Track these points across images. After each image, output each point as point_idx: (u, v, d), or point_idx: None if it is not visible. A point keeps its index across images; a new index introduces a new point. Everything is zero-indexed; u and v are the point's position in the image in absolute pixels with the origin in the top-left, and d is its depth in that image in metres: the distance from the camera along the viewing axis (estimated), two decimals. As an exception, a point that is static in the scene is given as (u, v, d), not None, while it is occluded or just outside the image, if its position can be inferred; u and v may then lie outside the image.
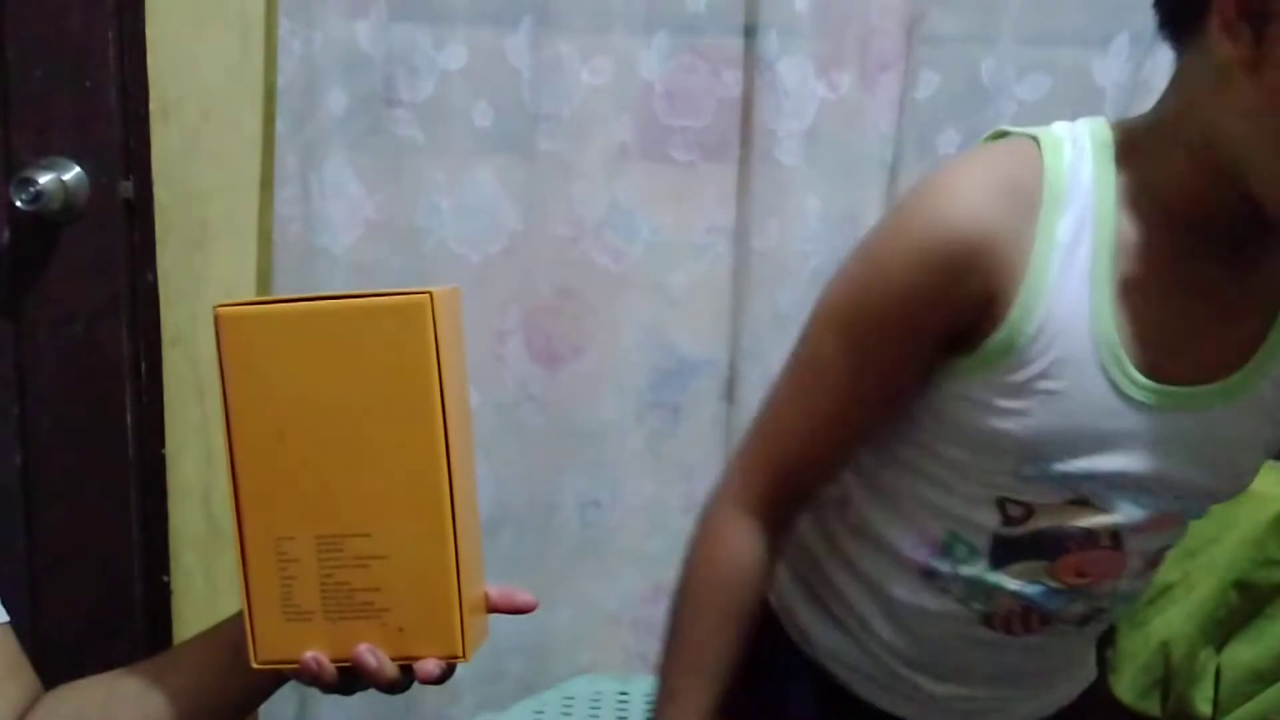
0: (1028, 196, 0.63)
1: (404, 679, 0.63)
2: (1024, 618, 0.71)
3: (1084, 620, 0.73)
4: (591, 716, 1.31)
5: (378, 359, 0.59)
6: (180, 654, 0.76)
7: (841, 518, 0.77)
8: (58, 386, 1.28)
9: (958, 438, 0.68)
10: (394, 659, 0.62)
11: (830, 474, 0.75)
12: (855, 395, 0.69)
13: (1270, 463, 1.02)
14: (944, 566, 0.71)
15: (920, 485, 0.71)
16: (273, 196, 1.31)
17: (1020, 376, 0.64)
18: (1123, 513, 0.68)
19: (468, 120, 1.27)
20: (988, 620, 0.72)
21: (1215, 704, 1.04)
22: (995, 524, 0.69)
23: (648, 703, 0.78)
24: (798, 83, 1.25)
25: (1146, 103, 1.24)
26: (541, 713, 1.33)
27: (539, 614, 0.73)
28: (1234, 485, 0.71)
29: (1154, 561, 0.72)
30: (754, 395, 1.31)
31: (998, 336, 0.63)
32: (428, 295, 0.59)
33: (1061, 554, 0.69)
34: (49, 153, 1.22)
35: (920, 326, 0.66)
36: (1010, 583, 0.70)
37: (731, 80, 1.29)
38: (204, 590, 1.42)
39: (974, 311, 0.64)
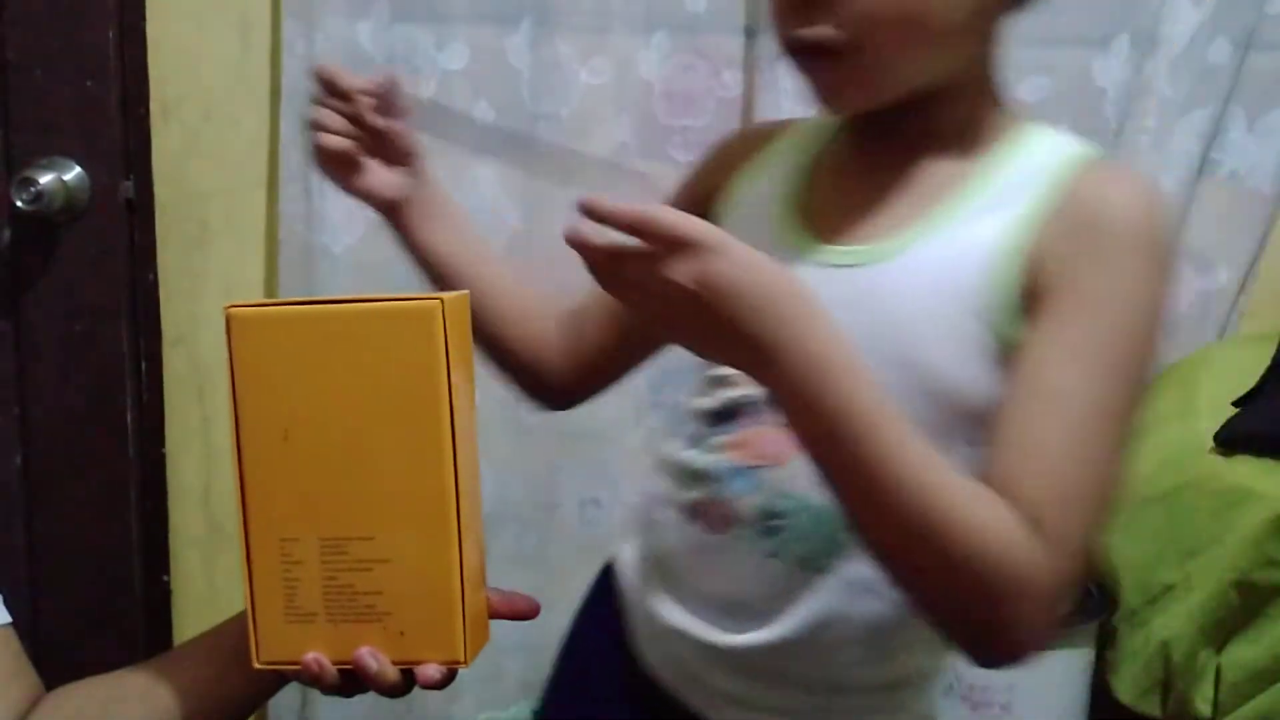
0: (772, 130, 0.82)
1: (404, 683, 0.63)
2: (711, 507, 0.74)
3: (763, 525, 0.71)
4: (592, 716, 1.31)
5: (386, 364, 0.59)
6: (181, 654, 0.76)
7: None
8: (58, 386, 1.28)
9: None
10: (395, 662, 0.62)
11: (598, 335, 0.88)
12: None
13: (1270, 462, 1.03)
14: (680, 456, 0.78)
15: (692, 399, 0.81)
16: (275, 196, 1.31)
17: None
18: None
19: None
20: (693, 511, 0.76)
21: (1215, 704, 1.04)
22: (705, 403, 0.77)
23: None
24: (798, 82, 1.25)
25: (1147, 103, 1.27)
26: (542, 712, 1.33)
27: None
28: (905, 364, 0.66)
29: None
30: (754, 395, 1.31)
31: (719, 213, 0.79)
32: (438, 302, 0.58)
33: (736, 426, 0.73)
34: (49, 153, 1.22)
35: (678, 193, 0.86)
36: (702, 458, 0.75)
37: (731, 80, 1.29)
38: (204, 590, 1.42)
39: (709, 192, 0.80)
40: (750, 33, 1.27)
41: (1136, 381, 0.61)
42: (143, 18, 1.26)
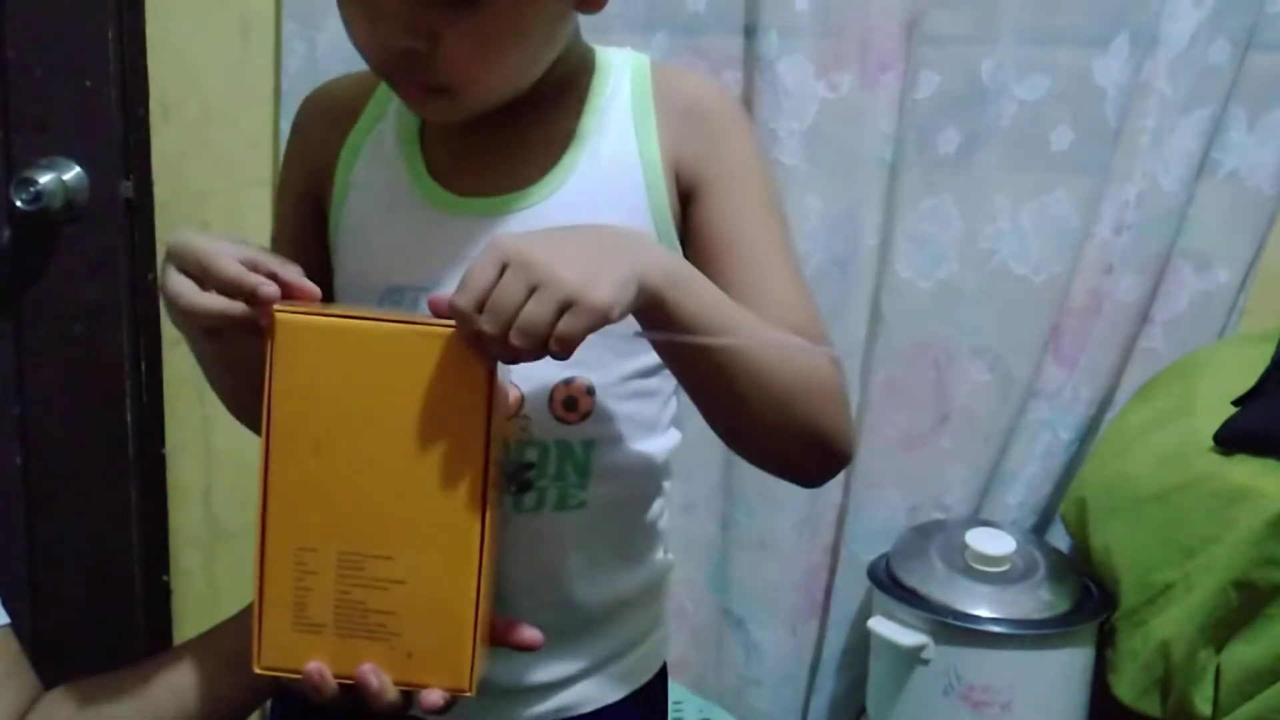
0: (353, 99, 0.79)
1: (403, 704, 0.62)
2: None
3: (518, 481, 0.71)
4: (591, 716, 1.31)
5: (430, 386, 0.59)
6: (176, 657, 0.76)
7: None
8: (58, 386, 1.29)
9: None
10: (397, 683, 0.61)
11: None
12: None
13: (1270, 462, 1.03)
14: None
15: None
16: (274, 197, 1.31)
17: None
18: None
19: (468, 120, 1.28)
20: None
21: (1215, 704, 1.04)
22: None
23: None
24: (798, 83, 1.25)
25: (1147, 103, 1.27)
26: (542, 713, 1.32)
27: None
28: None
29: (566, 404, 0.71)
30: (754, 395, 1.31)
31: None
32: None
33: None
34: (49, 153, 1.22)
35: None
36: None
37: (731, 80, 1.29)
38: (204, 590, 1.42)
39: (318, 181, 0.79)
40: (750, 33, 1.27)
41: (782, 209, 0.77)
42: (142, 18, 1.26)
